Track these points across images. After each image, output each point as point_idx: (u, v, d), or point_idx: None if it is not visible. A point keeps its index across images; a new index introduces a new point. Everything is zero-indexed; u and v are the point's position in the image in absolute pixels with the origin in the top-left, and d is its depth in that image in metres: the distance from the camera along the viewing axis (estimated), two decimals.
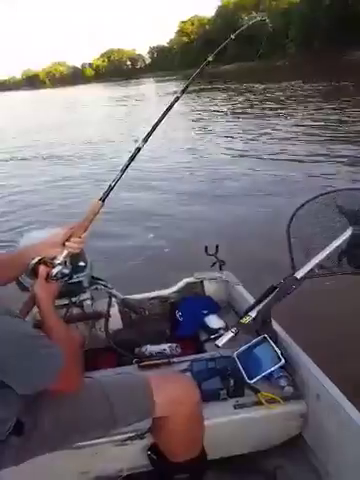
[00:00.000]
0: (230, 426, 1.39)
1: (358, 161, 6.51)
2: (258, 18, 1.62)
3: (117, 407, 1.18)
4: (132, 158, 1.37)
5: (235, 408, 1.40)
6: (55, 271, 1.18)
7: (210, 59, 1.52)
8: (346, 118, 10.47)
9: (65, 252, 1.23)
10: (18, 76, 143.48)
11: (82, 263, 1.72)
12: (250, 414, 1.38)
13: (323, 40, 41.62)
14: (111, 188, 1.33)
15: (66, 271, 1.20)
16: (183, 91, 1.48)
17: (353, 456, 1.22)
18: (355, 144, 7.60)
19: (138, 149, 1.37)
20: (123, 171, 1.35)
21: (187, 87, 1.50)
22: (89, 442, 1.25)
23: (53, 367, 0.96)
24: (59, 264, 1.20)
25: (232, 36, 1.59)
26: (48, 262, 1.19)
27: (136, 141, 1.40)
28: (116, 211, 4.84)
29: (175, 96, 1.46)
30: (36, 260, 1.19)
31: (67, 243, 1.25)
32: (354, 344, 2.27)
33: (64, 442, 1.17)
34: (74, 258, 1.36)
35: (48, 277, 1.17)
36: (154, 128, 1.39)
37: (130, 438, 1.33)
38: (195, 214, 4.98)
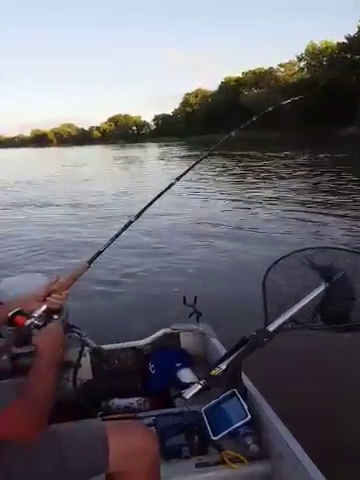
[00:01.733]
0: None
1: (337, 222, 6.77)
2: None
3: (68, 458, 1.11)
4: (123, 229, 1.44)
5: (197, 467, 1.32)
6: (28, 322, 1.23)
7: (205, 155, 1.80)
8: (328, 184, 11.04)
9: (44, 306, 1.28)
10: (26, 134, 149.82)
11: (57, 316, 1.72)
12: (212, 474, 1.30)
13: (317, 116, 44.96)
14: (99, 253, 1.38)
15: (39, 323, 1.24)
16: (178, 178, 1.55)
17: None
18: (337, 208, 7.96)
19: (130, 222, 1.45)
20: (113, 240, 1.41)
21: (182, 175, 1.58)
22: None
23: None
24: (35, 317, 1.25)
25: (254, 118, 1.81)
26: (24, 314, 1.24)
27: (129, 216, 1.49)
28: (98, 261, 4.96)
29: (170, 182, 1.54)
30: (14, 311, 1.24)
31: (48, 298, 1.29)
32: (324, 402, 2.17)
33: None
34: (52, 311, 1.37)
35: (22, 327, 1.22)
36: (146, 207, 1.48)
37: None
38: (178, 265, 5.02)
